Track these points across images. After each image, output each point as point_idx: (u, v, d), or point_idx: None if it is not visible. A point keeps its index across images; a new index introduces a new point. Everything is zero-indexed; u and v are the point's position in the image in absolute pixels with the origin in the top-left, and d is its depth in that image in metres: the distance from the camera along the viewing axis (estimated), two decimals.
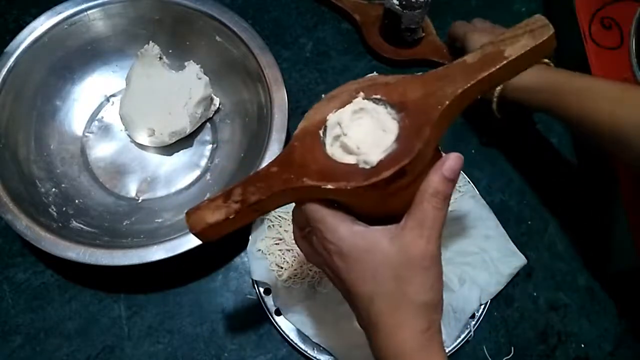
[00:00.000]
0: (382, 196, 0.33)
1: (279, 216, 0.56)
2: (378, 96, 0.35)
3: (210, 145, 0.62)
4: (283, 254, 0.54)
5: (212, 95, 0.61)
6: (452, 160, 0.33)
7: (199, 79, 0.59)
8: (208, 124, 0.63)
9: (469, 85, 0.33)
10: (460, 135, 0.63)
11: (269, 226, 0.56)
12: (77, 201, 0.57)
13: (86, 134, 0.61)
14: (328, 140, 0.35)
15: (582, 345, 0.54)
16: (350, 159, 0.33)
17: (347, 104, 0.35)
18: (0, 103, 0.55)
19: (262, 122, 0.56)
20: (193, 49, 0.62)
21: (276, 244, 0.55)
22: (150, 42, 0.60)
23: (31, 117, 0.58)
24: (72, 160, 0.60)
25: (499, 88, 0.53)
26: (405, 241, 0.32)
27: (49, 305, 0.55)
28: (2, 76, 0.56)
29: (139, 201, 0.59)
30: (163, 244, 0.50)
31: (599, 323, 0.55)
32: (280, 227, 0.55)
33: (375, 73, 0.65)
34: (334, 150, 0.34)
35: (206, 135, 0.62)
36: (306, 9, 0.70)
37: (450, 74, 0.34)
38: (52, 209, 0.54)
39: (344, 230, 0.33)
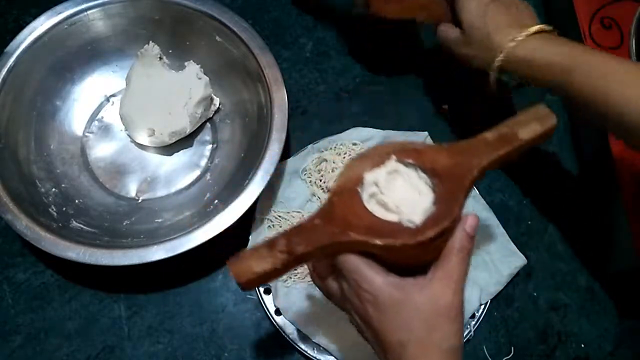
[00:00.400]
0: (417, 251, 0.36)
1: (279, 216, 0.56)
2: (410, 161, 0.39)
3: (210, 145, 0.62)
4: None
5: (212, 95, 0.61)
6: (472, 219, 0.37)
7: (199, 79, 0.59)
8: (208, 124, 0.63)
9: (490, 160, 0.39)
10: (461, 135, 0.63)
11: (269, 226, 0.56)
12: (77, 201, 0.57)
13: (86, 134, 0.61)
14: (365, 196, 0.38)
15: (582, 345, 0.54)
16: (391, 217, 0.37)
17: (381, 165, 0.39)
18: (0, 103, 0.55)
19: (262, 122, 0.56)
20: (193, 49, 0.62)
21: None
22: (150, 42, 0.60)
23: (31, 117, 0.58)
24: (72, 160, 0.60)
25: (499, 58, 0.48)
26: (434, 292, 0.35)
27: (49, 305, 0.55)
28: (2, 76, 0.56)
29: (139, 201, 0.59)
30: (163, 244, 0.50)
31: (599, 323, 0.55)
32: (280, 227, 0.55)
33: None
34: (371, 207, 0.37)
35: (206, 135, 0.62)
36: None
37: (472, 148, 0.40)
38: (52, 209, 0.54)
39: (379, 281, 0.35)
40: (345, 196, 0.37)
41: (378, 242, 0.35)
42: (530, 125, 0.41)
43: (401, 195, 0.38)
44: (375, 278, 0.35)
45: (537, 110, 0.42)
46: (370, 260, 0.36)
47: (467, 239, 0.36)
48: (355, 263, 0.36)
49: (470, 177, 0.38)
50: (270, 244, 0.36)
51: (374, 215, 0.37)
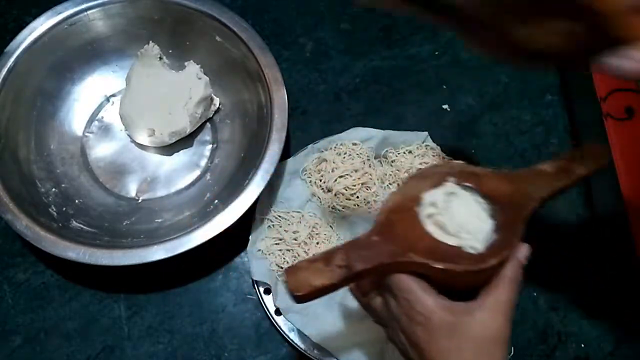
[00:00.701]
0: (474, 277, 0.36)
1: (279, 216, 0.56)
2: (469, 184, 0.39)
3: (210, 145, 0.62)
4: (283, 254, 0.54)
5: (212, 95, 0.61)
6: (525, 249, 0.37)
7: (199, 79, 0.59)
8: (208, 124, 0.63)
9: (549, 192, 0.40)
10: (460, 136, 0.63)
11: (269, 226, 0.56)
12: (77, 201, 0.57)
13: (86, 134, 0.61)
14: (422, 216, 0.37)
15: (582, 345, 0.54)
16: (449, 240, 0.36)
17: (439, 186, 0.38)
18: (0, 103, 0.55)
19: (262, 122, 0.56)
20: (193, 49, 0.62)
21: (276, 244, 0.55)
22: (150, 42, 0.60)
23: (31, 117, 0.58)
24: (72, 160, 0.60)
25: None
26: (486, 319, 0.35)
27: (49, 305, 0.55)
28: (2, 76, 0.56)
29: (139, 201, 0.59)
30: (163, 244, 0.50)
31: (599, 323, 0.55)
32: (280, 227, 0.55)
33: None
34: (429, 228, 0.37)
35: (206, 135, 0.62)
36: (306, 9, 0.70)
37: (531, 178, 0.40)
38: (52, 209, 0.54)
39: (432, 304, 0.35)
40: (404, 215, 0.37)
41: (439, 266, 0.34)
42: (587, 161, 0.42)
43: (460, 218, 0.37)
44: (428, 300, 0.35)
45: (593, 147, 0.45)
46: (424, 281, 0.36)
47: (518, 269, 0.36)
48: (409, 283, 0.35)
49: (530, 208, 0.38)
50: (327, 257, 0.35)
51: (434, 237, 0.36)
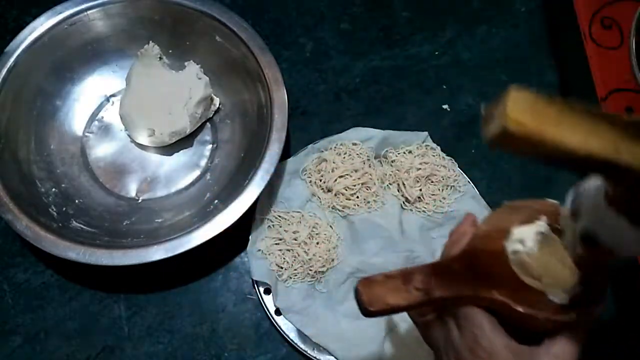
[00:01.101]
0: (550, 325, 0.34)
1: (279, 216, 0.56)
2: (560, 227, 0.35)
3: (210, 145, 0.62)
4: (283, 254, 0.54)
5: (212, 95, 0.61)
6: (599, 308, 0.35)
7: (199, 79, 0.59)
8: (208, 124, 0.63)
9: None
10: (460, 136, 0.63)
11: (269, 226, 0.56)
12: (77, 201, 0.57)
13: (86, 134, 0.61)
14: (508, 251, 0.35)
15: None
16: (532, 283, 0.34)
17: (530, 223, 0.36)
18: (0, 103, 0.55)
19: (262, 122, 0.56)
20: (193, 49, 0.62)
21: (276, 244, 0.55)
22: (150, 42, 0.60)
23: (31, 117, 0.58)
24: (72, 160, 0.60)
25: None
26: None
27: (49, 305, 0.55)
28: (2, 76, 0.56)
29: (139, 201, 0.59)
30: (163, 244, 0.50)
31: (599, 323, 0.55)
32: (280, 227, 0.55)
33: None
34: (513, 265, 0.35)
35: (206, 135, 0.62)
36: (306, 9, 0.70)
37: None
38: (52, 209, 0.54)
39: (500, 344, 0.34)
40: (490, 246, 0.35)
41: (520, 309, 0.33)
42: None
43: (546, 262, 0.35)
44: (496, 339, 0.34)
45: None
46: (494, 318, 0.34)
47: (591, 324, 0.35)
48: (480, 319, 0.34)
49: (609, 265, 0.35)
50: (406, 275, 0.34)
51: (517, 277, 0.34)
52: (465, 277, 0.34)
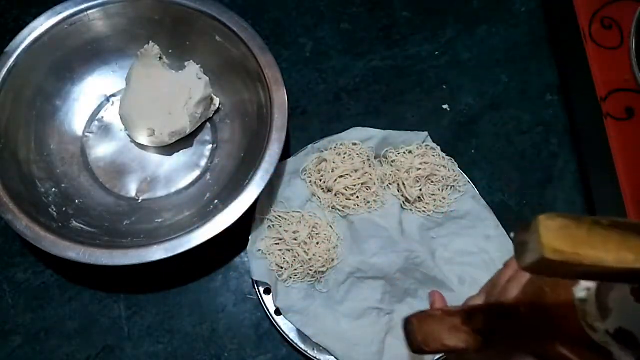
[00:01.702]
0: None
1: (279, 216, 0.56)
2: None
3: (210, 145, 0.62)
4: (283, 254, 0.54)
5: (212, 95, 0.61)
6: None
7: (199, 79, 0.59)
8: (208, 124, 0.63)
9: None
10: (460, 136, 0.63)
11: (269, 226, 0.56)
12: (77, 201, 0.57)
13: (86, 134, 0.61)
14: (575, 298, 0.31)
15: None
16: (594, 335, 0.29)
17: None
18: (0, 103, 0.55)
19: (262, 122, 0.56)
20: (193, 49, 0.62)
21: (276, 244, 0.55)
22: (150, 42, 0.60)
23: (31, 117, 0.58)
24: (72, 160, 0.60)
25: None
26: None
27: (49, 305, 0.55)
28: (2, 76, 0.56)
29: (139, 201, 0.59)
30: (163, 244, 0.50)
31: None
32: (280, 227, 0.55)
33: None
34: (579, 316, 0.31)
35: (206, 135, 0.62)
36: (306, 9, 0.70)
37: None
38: (52, 209, 0.54)
39: None
40: (558, 290, 0.30)
41: None
42: None
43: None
44: None
45: None
46: None
47: None
48: None
49: None
50: (467, 314, 0.31)
51: (581, 328, 0.29)
52: (530, 324, 0.30)
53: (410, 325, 0.31)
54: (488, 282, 0.38)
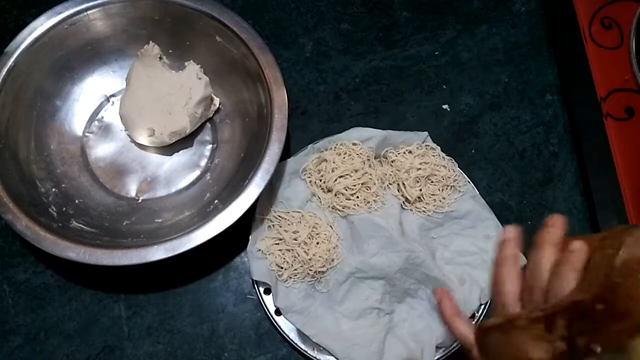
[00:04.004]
0: None
1: (279, 216, 0.56)
2: None
3: (210, 145, 0.62)
4: (283, 254, 0.54)
5: (212, 95, 0.61)
6: None
7: (199, 79, 0.59)
8: (208, 124, 0.63)
9: None
10: (461, 135, 0.63)
11: (269, 226, 0.56)
12: (77, 201, 0.57)
13: (86, 134, 0.61)
14: None
15: None
16: None
17: None
18: (0, 103, 0.55)
19: (262, 122, 0.56)
20: (193, 49, 0.62)
21: (276, 244, 0.55)
22: (150, 42, 0.60)
23: (31, 117, 0.58)
24: (72, 160, 0.60)
25: None
26: None
27: (49, 305, 0.55)
28: (2, 76, 0.56)
29: (139, 201, 0.59)
30: (163, 244, 0.50)
31: None
32: (280, 227, 0.55)
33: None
34: None
35: (206, 135, 0.62)
36: (306, 9, 0.70)
37: None
38: (52, 209, 0.54)
39: None
40: (629, 280, 0.29)
41: None
42: None
43: None
44: None
45: None
46: None
47: None
48: None
49: None
50: (548, 320, 0.29)
51: None
52: (609, 322, 0.28)
53: (494, 339, 0.29)
54: (526, 270, 0.33)
